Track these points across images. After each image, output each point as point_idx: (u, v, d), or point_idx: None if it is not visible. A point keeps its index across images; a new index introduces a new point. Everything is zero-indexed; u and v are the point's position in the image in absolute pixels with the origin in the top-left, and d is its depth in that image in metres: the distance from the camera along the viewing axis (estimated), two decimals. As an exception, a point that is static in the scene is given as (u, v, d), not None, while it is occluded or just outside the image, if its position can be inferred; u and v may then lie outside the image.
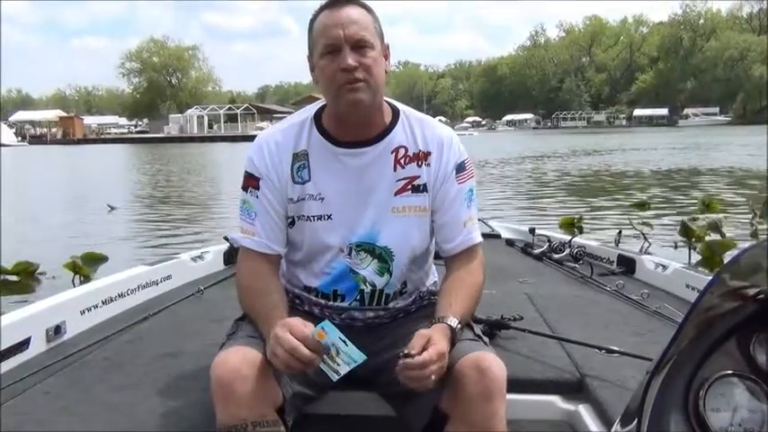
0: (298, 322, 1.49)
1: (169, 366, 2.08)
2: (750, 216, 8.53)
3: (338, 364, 1.47)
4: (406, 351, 1.49)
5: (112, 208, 11.86)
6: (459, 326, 1.61)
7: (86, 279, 6.03)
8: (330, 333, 1.47)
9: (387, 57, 1.73)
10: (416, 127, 1.78)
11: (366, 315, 1.81)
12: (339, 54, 1.62)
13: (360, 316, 1.81)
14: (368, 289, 1.77)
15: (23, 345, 2.16)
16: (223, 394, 1.47)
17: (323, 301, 1.80)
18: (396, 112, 1.79)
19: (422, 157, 1.75)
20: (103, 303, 2.61)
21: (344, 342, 1.47)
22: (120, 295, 2.73)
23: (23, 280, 6.34)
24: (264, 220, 1.73)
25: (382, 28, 1.73)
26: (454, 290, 1.71)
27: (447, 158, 1.76)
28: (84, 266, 6.31)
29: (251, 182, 1.76)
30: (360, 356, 1.48)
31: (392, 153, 1.74)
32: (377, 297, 1.79)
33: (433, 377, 1.48)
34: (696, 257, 6.61)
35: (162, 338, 2.36)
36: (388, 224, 1.74)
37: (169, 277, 3.10)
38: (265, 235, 1.72)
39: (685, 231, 6.95)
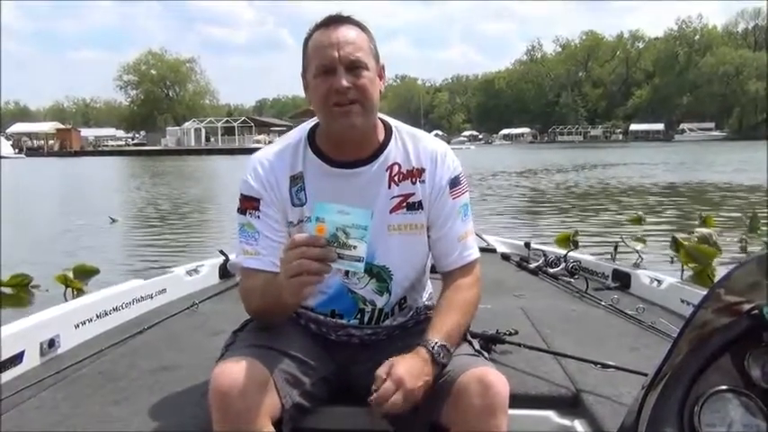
0: (297, 235, 1.49)
1: (163, 380, 2.06)
2: (742, 231, 8.56)
3: (354, 247, 1.42)
4: (374, 387, 1.54)
5: (114, 220, 11.83)
6: (438, 345, 1.60)
7: (78, 292, 6.00)
8: (327, 213, 1.43)
9: (381, 77, 1.73)
10: (409, 143, 1.77)
11: (363, 332, 1.80)
12: (333, 75, 1.62)
13: (357, 333, 1.80)
14: (368, 308, 1.76)
15: (17, 358, 2.15)
16: (221, 406, 1.47)
17: (321, 317, 1.79)
18: (388, 129, 1.78)
19: (416, 174, 1.75)
20: (98, 317, 2.60)
21: (345, 213, 1.43)
22: (115, 309, 2.72)
23: (18, 293, 6.31)
24: (268, 240, 1.70)
25: (377, 46, 1.72)
26: (445, 310, 1.71)
27: (441, 174, 1.76)
28: (76, 279, 6.26)
29: (250, 204, 1.73)
30: (366, 215, 1.43)
31: (387, 170, 1.73)
32: (376, 316, 1.78)
33: (404, 401, 1.52)
34: (690, 271, 6.62)
35: (156, 352, 2.35)
36: (384, 243, 1.72)
37: (164, 291, 3.09)
38: (269, 254, 1.69)
39: (676, 246, 6.96)
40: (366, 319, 1.77)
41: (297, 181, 1.73)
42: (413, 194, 1.74)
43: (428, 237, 1.78)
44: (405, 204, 1.74)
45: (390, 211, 1.73)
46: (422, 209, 1.75)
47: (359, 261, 1.43)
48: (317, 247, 1.42)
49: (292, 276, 1.44)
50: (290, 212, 1.72)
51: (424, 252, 1.81)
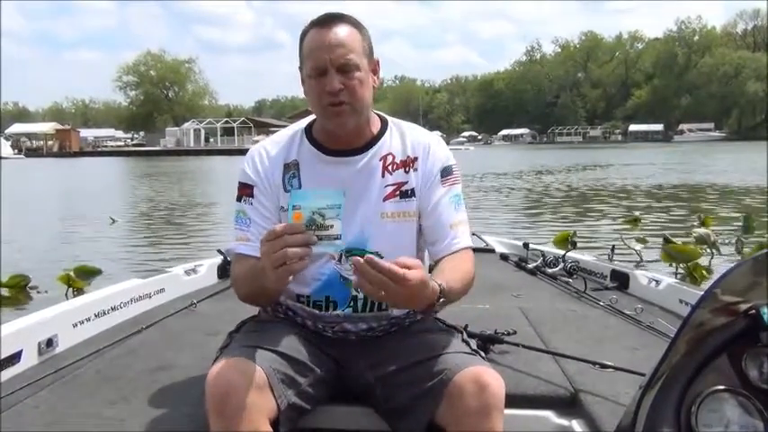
0: (277, 225, 1.51)
1: (162, 380, 2.06)
2: (738, 232, 8.59)
3: (331, 226, 1.47)
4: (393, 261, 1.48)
5: (114, 220, 11.84)
6: (444, 287, 1.59)
7: (80, 292, 6.00)
8: (301, 200, 1.47)
9: (376, 72, 1.78)
10: (404, 134, 1.83)
11: (359, 327, 1.80)
12: (325, 76, 1.67)
13: (353, 329, 1.80)
14: (361, 295, 1.77)
15: (15, 358, 2.15)
16: (217, 407, 1.48)
17: (316, 311, 1.79)
18: (384, 122, 1.85)
19: (409, 163, 1.80)
20: (96, 316, 2.60)
21: (318, 196, 1.48)
22: (113, 308, 2.71)
23: (15, 294, 6.30)
24: (259, 227, 1.75)
25: (372, 43, 1.77)
26: (447, 269, 1.71)
27: (432, 162, 1.81)
28: (78, 279, 6.27)
29: (244, 191, 1.81)
30: (338, 195, 1.48)
31: (380, 160, 1.79)
32: (370, 303, 1.79)
33: (374, 288, 1.46)
34: (685, 272, 6.63)
35: (155, 352, 2.35)
36: (377, 230, 1.76)
37: (162, 290, 3.09)
38: (258, 240, 1.69)
39: (668, 246, 6.99)
40: (360, 306, 1.78)
41: (290, 168, 1.79)
42: (406, 183, 1.79)
43: (420, 225, 1.81)
44: (398, 192, 1.78)
45: (384, 199, 1.77)
46: (414, 196, 1.79)
47: (337, 239, 1.48)
48: (298, 233, 1.47)
49: (278, 267, 1.48)
50: (282, 198, 1.77)
51: (417, 239, 1.83)
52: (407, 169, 1.80)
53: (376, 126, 1.82)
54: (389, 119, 1.86)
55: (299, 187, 1.77)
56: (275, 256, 1.47)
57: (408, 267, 1.48)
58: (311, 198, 1.48)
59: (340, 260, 1.74)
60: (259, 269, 1.56)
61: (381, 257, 1.74)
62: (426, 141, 1.83)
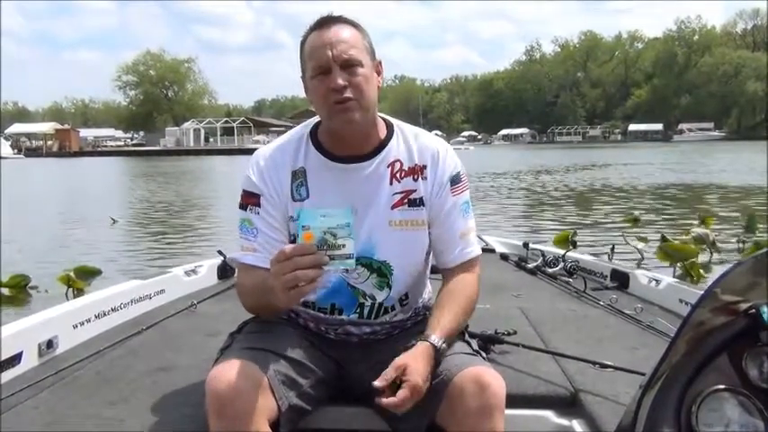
0: (287, 246, 1.48)
1: (161, 381, 2.06)
2: (740, 231, 8.59)
3: (343, 246, 1.43)
4: (378, 383, 1.50)
5: (115, 221, 11.83)
6: (443, 344, 1.61)
7: (80, 292, 6.00)
8: (311, 220, 1.44)
9: (379, 72, 1.75)
10: (411, 140, 1.79)
11: (362, 330, 1.80)
12: (329, 74, 1.64)
13: (355, 331, 1.80)
14: (368, 302, 1.77)
15: (15, 359, 2.15)
16: (218, 408, 1.47)
17: (321, 315, 1.79)
18: (390, 127, 1.81)
19: (417, 171, 1.77)
20: (96, 317, 2.60)
21: (328, 215, 1.44)
22: (113, 309, 2.71)
23: (16, 294, 6.30)
24: (266, 237, 1.72)
25: (373, 44, 1.74)
26: (446, 305, 1.71)
27: (442, 170, 1.78)
28: (78, 280, 6.27)
29: (250, 199, 1.75)
30: (347, 213, 1.45)
31: (388, 167, 1.75)
32: (376, 310, 1.79)
33: (413, 404, 1.51)
34: (683, 270, 6.63)
35: (155, 353, 2.35)
36: (385, 238, 1.74)
37: (162, 291, 3.08)
38: (267, 250, 1.69)
39: (664, 244, 7.00)
40: (366, 313, 1.78)
41: (298, 176, 1.75)
42: (414, 191, 1.76)
43: (429, 233, 1.79)
44: (406, 201, 1.76)
45: (392, 207, 1.75)
46: (423, 205, 1.77)
47: (349, 258, 1.45)
48: (309, 254, 1.43)
49: (290, 289, 1.45)
50: (291, 207, 1.74)
51: (425, 248, 1.82)
52: (416, 177, 1.76)
53: (382, 131, 1.79)
54: (394, 123, 1.83)
55: (307, 195, 1.73)
56: (285, 279, 1.44)
57: (402, 373, 1.52)
58: (320, 217, 1.44)
59: (347, 270, 1.70)
60: (268, 287, 1.51)
61: (390, 267, 1.74)
62: (434, 149, 1.79)
